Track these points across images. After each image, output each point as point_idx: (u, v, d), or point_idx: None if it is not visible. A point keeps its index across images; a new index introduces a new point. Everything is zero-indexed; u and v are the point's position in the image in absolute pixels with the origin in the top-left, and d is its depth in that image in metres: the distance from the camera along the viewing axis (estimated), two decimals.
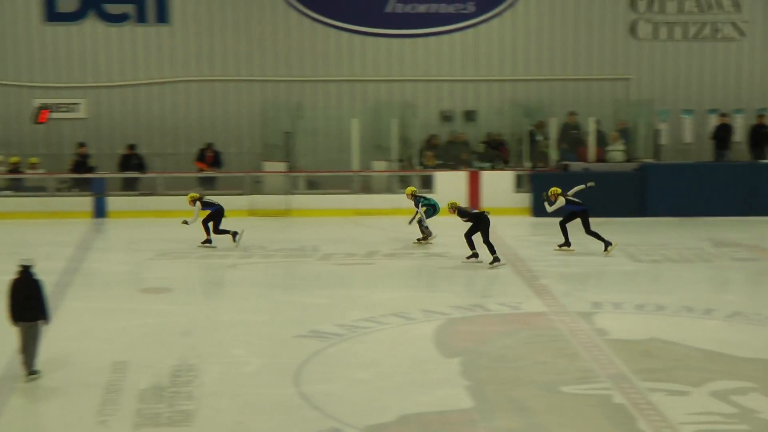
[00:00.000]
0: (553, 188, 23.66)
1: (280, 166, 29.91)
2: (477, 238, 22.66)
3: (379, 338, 17.13)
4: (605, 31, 32.63)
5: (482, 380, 14.84)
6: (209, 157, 29.96)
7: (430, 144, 31.00)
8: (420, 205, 24.60)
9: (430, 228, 24.76)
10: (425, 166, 30.46)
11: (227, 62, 31.36)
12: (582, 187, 23.79)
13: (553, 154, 30.67)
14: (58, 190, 29.61)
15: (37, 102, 30.57)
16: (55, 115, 30.44)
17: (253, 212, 28.73)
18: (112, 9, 30.90)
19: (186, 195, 24.36)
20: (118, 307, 19.34)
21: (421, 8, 31.56)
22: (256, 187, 29.50)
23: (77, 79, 31.22)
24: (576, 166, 29.77)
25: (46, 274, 15.20)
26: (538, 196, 28.90)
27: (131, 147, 30.05)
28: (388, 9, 31.56)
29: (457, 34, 31.87)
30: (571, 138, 31.13)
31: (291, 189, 29.44)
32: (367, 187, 30.11)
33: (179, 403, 14.02)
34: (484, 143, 31.38)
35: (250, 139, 31.45)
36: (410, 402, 13.99)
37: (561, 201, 23.36)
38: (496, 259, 22.21)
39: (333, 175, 30.19)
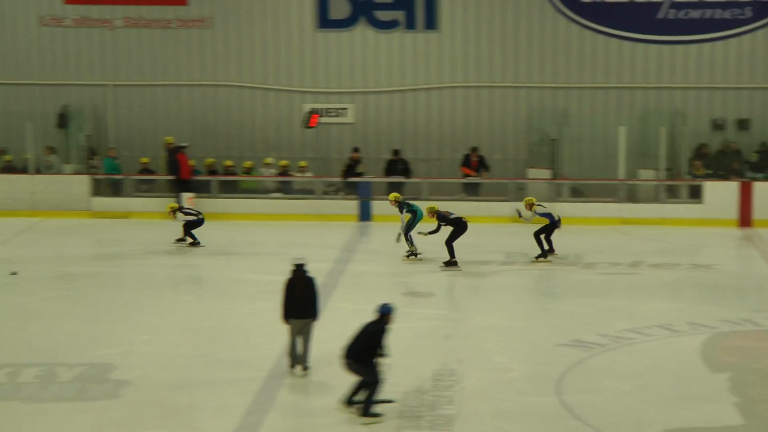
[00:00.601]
0: (528, 198, 24.42)
1: (545, 173, 29.63)
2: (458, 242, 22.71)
3: (644, 350, 16.75)
4: None
5: (752, 398, 14.31)
6: (474, 162, 29.97)
7: (700, 153, 30.07)
8: (404, 211, 23.61)
9: (416, 245, 23.60)
10: (694, 176, 29.57)
11: (494, 68, 31.29)
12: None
13: None
14: (325, 193, 30.20)
15: (308, 107, 31.30)
16: (323, 119, 31.09)
17: (515, 219, 28.51)
18: (382, 16, 31.34)
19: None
20: None
21: (695, 14, 30.62)
22: (519, 193, 29.27)
23: (346, 85, 31.80)
24: None
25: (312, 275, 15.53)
26: None
27: (396, 152, 30.39)
28: (660, 15, 30.77)
29: (732, 40, 30.77)
30: None
31: (555, 196, 29.09)
32: (632, 196, 29.46)
33: (440, 407, 14.10)
34: (758, 153, 30.21)
35: (515, 146, 31.28)
36: (674, 416, 13.64)
37: (538, 210, 23.57)
38: (452, 263, 22.52)
39: (598, 183, 29.69)
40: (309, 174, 30.55)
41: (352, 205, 29.12)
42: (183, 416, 13.92)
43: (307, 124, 30.36)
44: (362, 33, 31.41)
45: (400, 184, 29.66)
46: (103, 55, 31.82)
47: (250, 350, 16.76)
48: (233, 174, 30.45)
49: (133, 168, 30.61)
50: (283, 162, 30.46)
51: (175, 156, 29.42)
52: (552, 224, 23.53)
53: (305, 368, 15.36)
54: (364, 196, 28.85)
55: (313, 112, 30.47)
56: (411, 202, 24.26)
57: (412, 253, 23.62)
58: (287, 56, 31.69)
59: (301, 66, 31.68)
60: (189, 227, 24.99)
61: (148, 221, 28.65)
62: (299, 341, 15.30)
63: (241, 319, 18.88)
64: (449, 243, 22.73)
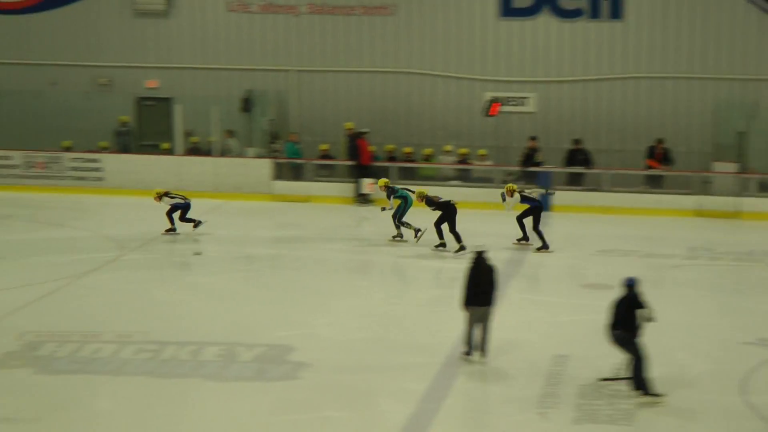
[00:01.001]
0: (509, 184, 24.15)
1: (731, 166, 28.78)
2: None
3: None
4: None
5: None
6: (659, 154, 29.30)
7: None
8: (392, 198, 23.88)
9: (414, 223, 23.91)
10: None
11: (680, 59, 30.52)
12: (542, 191, 24.91)
13: None
14: (504, 182, 29.90)
15: (489, 95, 31.10)
16: (504, 108, 30.83)
17: (699, 213, 27.84)
18: (566, 4, 30.87)
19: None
20: (560, 301, 19.37)
21: None
22: (704, 187, 28.55)
23: (528, 74, 31.47)
24: None
25: None
26: None
27: (577, 142, 29.96)
28: None
29: None
30: None
31: (742, 191, 28.27)
32: None
33: (619, 402, 13.85)
34: None
35: (700, 138, 30.43)
36: None
37: (516, 197, 23.50)
38: (462, 248, 22.35)
39: None
40: (488, 162, 30.40)
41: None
42: (360, 400, 13.99)
43: (487, 112, 30.17)
44: (545, 22, 31.05)
45: (581, 174, 29.29)
46: (288, 41, 32.25)
47: (428, 336, 16.75)
48: (412, 161, 30.52)
49: (313, 152, 30.94)
50: (463, 150, 30.37)
51: (355, 142, 29.66)
52: (532, 210, 23.50)
53: (483, 356, 15.27)
54: (543, 185, 28.52)
55: (493, 101, 30.27)
56: (401, 188, 24.42)
57: (394, 236, 24.13)
58: (469, 44, 31.55)
59: (482, 54, 31.51)
60: (183, 213, 24.69)
61: (327, 206, 28.96)
62: (477, 329, 15.21)
63: (419, 305, 18.91)
64: (438, 225, 23.03)
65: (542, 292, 19.95)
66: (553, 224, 26.97)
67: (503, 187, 24.24)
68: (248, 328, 17.19)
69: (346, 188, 29.61)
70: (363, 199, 29.31)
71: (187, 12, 32.54)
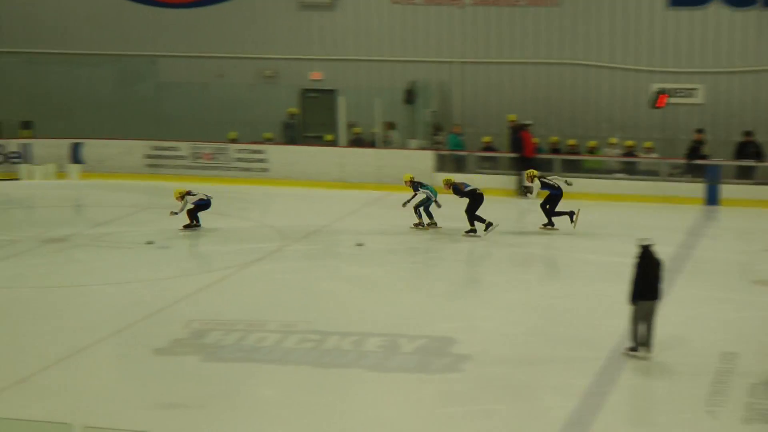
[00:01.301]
0: (530, 170, 24.75)
1: None
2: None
3: None
4: None
5: None
6: None
7: None
8: (420, 189, 24.40)
9: (434, 218, 24.55)
10: None
11: None
12: (562, 181, 24.35)
13: None
14: (671, 175, 29.30)
15: (655, 86, 30.48)
16: (672, 100, 30.16)
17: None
18: None
19: None
20: (729, 297, 18.84)
21: None
22: None
23: (696, 65, 30.71)
24: None
25: None
26: None
27: (748, 134, 29.13)
28: None
29: None
30: None
31: None
32: None
33: None
34: None
35: None
36: None
37: (537, 183, 24.13)
38: (471, 231, 23.60)
39: None
40: (654, 155, 29.78)
41: (698, 188, 28.10)
42: (522, 393, 13.85)
43: (654, 104, 29.56)
44: (716, 11, 30.22)
45: (752, 167, 28.47)
46: (451, 33, 32.13)
47: (591, 330, 16.50)
48: (577, 153, 30.11)
49: (476, 145, 30.79)
50: (629, 142, 29.82)
51: (518, 134, 29.40)
52: (552, 196, 24.01)
53: (649, 351, 14.95)
54: (712, 179, 27.83)
55: (661, 92, 29.64)
56: (425, 182, 24.93)
57: (428, 224, 24.59)
58: (636, 35, 30.94)
59: (650, 45, 30.86)
60: (196, 211, 24.41)
61: (490, 198, 28.63)
62: (642, 324, 14.88)
63: (582, 299, 18.62)
64: (468, 212, 23.66)
65: (710, 288, 19.41)
66: (721, 218, 26.36)
67: (524, 177, 24.88)
68: (410, 319, 17.19)
69: (508, 181, 29.36)
70: (526, 191, 29.02)
71: (352, 4, 32.70)
